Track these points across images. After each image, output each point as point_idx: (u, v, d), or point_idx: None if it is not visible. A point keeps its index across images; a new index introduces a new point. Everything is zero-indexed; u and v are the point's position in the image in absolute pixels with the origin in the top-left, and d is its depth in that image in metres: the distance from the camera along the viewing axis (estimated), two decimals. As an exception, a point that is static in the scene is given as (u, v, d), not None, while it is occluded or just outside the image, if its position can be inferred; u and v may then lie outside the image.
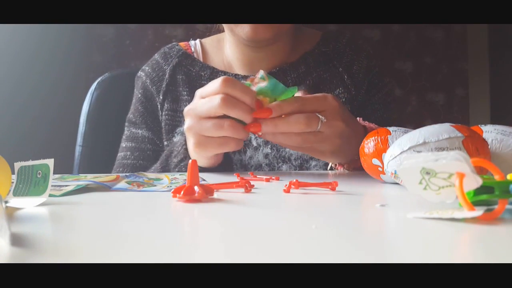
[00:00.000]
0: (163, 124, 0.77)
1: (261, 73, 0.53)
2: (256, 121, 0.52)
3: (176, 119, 0.77)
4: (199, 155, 0.57)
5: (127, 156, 0.78)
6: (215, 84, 0.53)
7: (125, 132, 0.82)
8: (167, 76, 0.79)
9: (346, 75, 0.76)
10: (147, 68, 0.82)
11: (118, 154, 0.80)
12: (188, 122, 0.55)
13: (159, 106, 0.78)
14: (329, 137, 0.54)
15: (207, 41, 0.84)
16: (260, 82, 0.52)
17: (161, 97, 0.78)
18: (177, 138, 0.75)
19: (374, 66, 0.79)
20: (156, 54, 0.83)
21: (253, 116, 0.52)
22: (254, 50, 0.75)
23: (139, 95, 0.80)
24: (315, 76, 0.76)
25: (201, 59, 0.80)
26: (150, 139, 0.78)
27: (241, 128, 0.53)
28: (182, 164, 0.61)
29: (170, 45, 0.83)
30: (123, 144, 0.81)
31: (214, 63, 0.80)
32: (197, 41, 0.84)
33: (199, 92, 0.56)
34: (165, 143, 0.77)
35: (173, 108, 0.77)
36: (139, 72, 0.83)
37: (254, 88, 0.53)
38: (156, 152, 0.77)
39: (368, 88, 0.77)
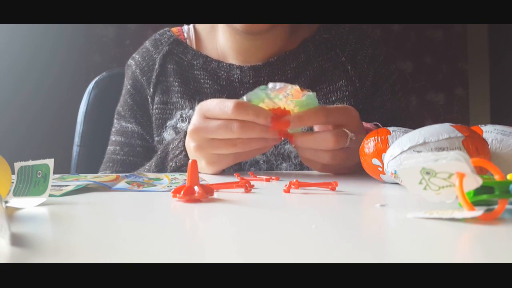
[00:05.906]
0: (153, 118, 0.74)
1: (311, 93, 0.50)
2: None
3: (167, 112, 0.73)
4: (211, 171, 0.57)
5: (116, 151, 0.75)
6: (226, 108, 0.50)
7: (115, 124, 0.78)
8: (157, 66, 0.75)
9: (349, 66, 0.72)
10: (137, 56, 0.78)
11: (108, 148, 0.78)
12: (197, 142, 0.54)
13: (149, 100, 0.74)
14: (355, 151, 0.52)
15: (201, 26, 0.78)
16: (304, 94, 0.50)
17: (151, 90, 0.74)
18: (167, 133, 0.72)
19: (380, 54, 0.74)
20: (146, 41, 0.79)
21: (271, 126, 0.50)
22: (249, 39, 0.70)
23: (129, 86, 0.76)
24: (316, 66, 0.72)
25: (194, 46, 0.75)
26: (140, 134, 0.75)
27: (254, 141, 0.51)
28: (182, 168, 0.61)
29: (161, 31, 0.78)
30: (112, 138, 0.77)
31: (207, 51, 0.75)
32: (191, 26, 0.78)
33: (202, 110, 0.53)
34: (156, 138, 0.74)
35: (163, 100, 0.73)
36: (129, 60, 0.79)
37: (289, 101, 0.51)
38: (146, 148, 0.75)
39: (375, 79, 0.73)
